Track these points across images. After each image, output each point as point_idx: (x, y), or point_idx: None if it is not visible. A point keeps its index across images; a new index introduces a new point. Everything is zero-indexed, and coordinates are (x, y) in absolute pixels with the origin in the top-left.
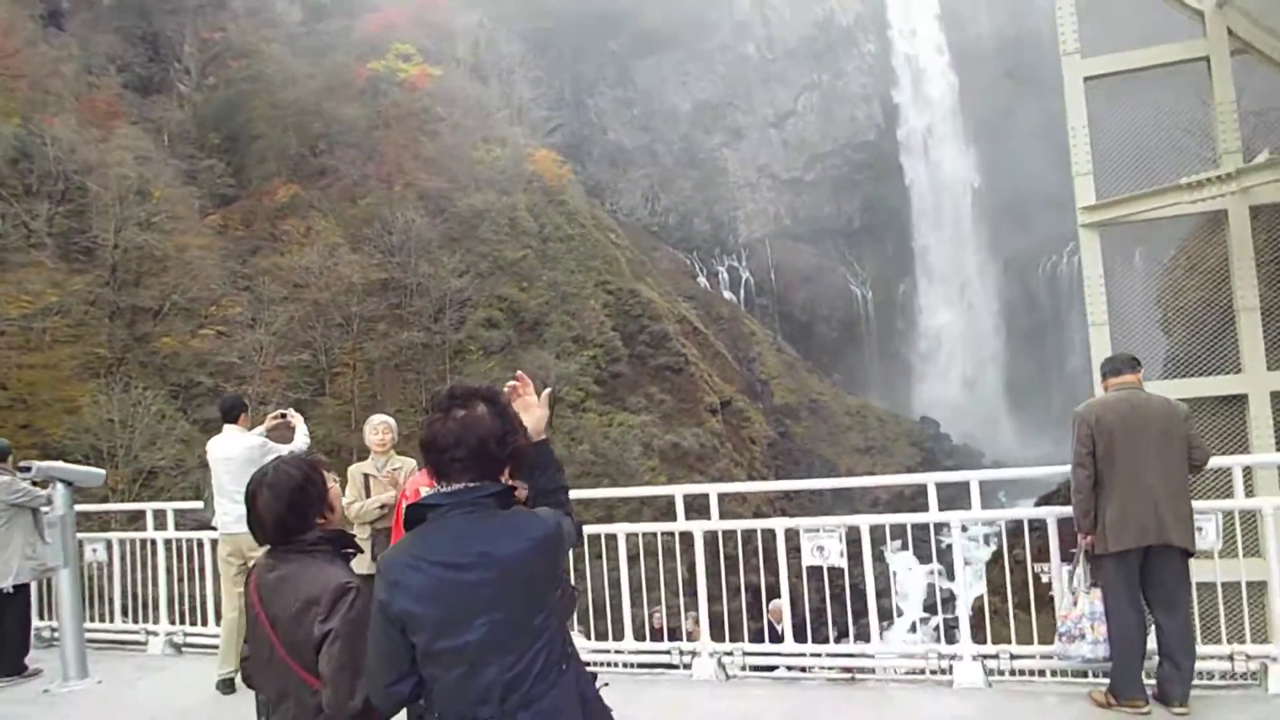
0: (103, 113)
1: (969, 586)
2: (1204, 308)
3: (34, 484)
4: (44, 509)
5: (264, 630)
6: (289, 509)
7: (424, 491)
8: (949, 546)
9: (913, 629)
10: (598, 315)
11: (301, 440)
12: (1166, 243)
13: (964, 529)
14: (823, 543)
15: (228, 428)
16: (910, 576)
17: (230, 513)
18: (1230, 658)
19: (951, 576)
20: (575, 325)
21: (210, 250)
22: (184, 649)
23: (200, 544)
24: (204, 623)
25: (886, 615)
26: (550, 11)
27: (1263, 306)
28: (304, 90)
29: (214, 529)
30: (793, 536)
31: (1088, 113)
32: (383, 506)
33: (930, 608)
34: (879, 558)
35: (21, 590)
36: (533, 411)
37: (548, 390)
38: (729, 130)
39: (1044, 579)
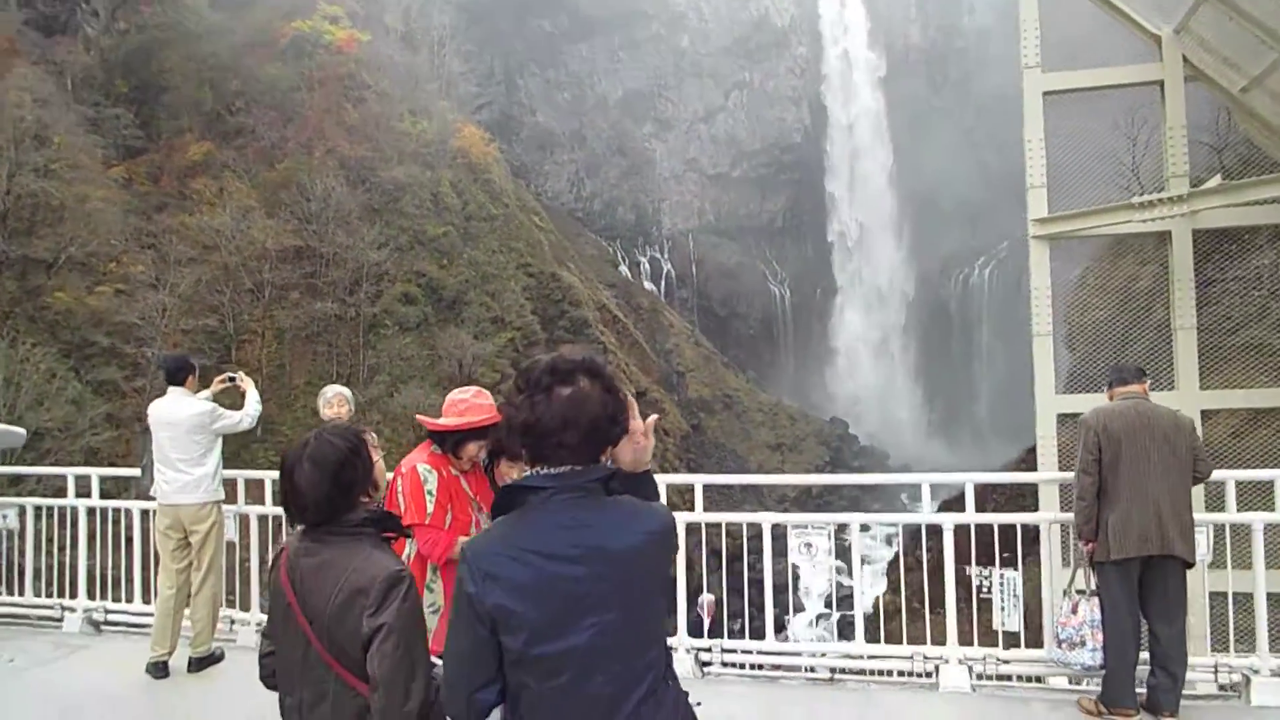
0: (0, 49)
1: (871, 585)
2: (1107, 326)
3: None
4: None
5: (297, 624)
6: (334, 485)
7: (421, 470)
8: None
9: (813, 623)
10: (518, 297)
11: (253, 406)
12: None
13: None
14: (811, 539)
15: (173, 390)
16: (814, 573)
17: (172, 482)
18: (1215, 669)
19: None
20: (494, 306)
21: (112, 203)
22: (103, 627)
23: (128, 514)
24: (128, 599)
25: (798, 608)
26: None
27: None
28: (222, 44)
29: (151, 499)
30: (713, 531)
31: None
32: None
33: (831, 603)
34: (781, 553)
35: None
36: (636, 440)
37: (653, 417)
38: (658, 121)
39: (980, 583)
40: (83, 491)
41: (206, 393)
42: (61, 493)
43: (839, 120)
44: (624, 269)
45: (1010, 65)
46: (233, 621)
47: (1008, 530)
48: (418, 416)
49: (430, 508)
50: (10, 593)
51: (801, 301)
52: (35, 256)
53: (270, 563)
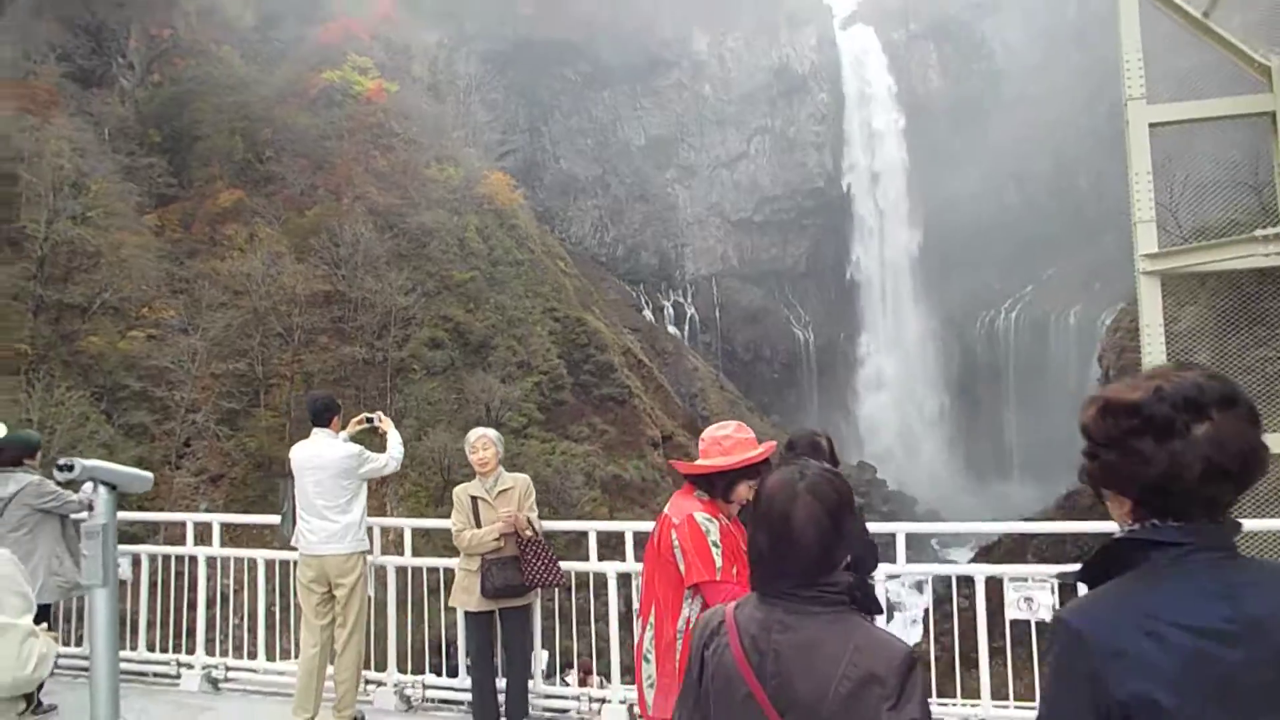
0: (41, 101)
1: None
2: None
3: (67, 485)
4: (79, 516)
5: (762, 716)
6: (835, 533)
7: (700, 519)
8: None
9: None
10: (544, 342)
11: (397, 448)
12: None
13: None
14: (1032, 594)
15: (317, 432)
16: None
17: (318, 531)
18: None
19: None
20: (521, 350)
21: (146, 250)
22: (221, 685)
23: (250, 564)
24: (250, 655)
25: None
26: (509, 36)
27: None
28: (253, 95)
29: (293, 549)
30: None
31: (1151, 159)
32: (500, 537)
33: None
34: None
35: (43, 612)
36: None
37: None
38: (681, 167)
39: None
40: (202, 538)
41: (344, 434)
42: (178, 540)
43: (860, 165)
44: (648, 313)
45: (1029, 106)
46: (369, 683)
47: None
48: (674, 463)
49: (718, 561)
50: (123, 647)
51: (825, 345)
52: (70, 301)
53: (703, 636)
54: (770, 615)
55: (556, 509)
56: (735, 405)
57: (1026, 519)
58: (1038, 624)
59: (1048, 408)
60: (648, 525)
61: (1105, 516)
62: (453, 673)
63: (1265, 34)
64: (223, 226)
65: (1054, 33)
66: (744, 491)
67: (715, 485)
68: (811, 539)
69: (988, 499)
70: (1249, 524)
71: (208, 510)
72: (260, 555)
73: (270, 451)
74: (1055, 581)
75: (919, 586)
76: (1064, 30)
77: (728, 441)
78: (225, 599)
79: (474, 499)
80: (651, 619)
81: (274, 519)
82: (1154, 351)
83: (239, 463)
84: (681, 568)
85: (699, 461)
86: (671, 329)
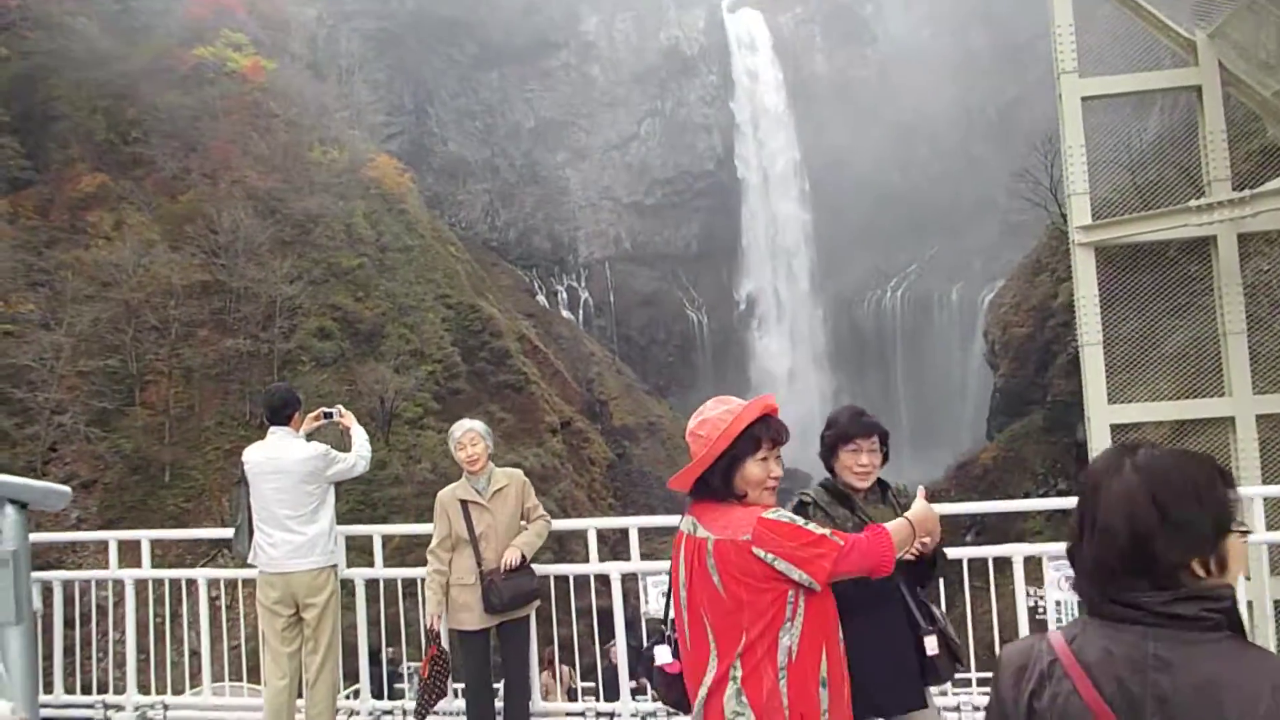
0: None
1: None
2: (1028, 343)
3: None
4: None
5: None
6: (1195, 528)
7: (774, 515)
8: None
9: None
10: (437, 329)
11: (363, 445)
12: (979, 283)
13: None
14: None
15: (276, 431)
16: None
17: (280, 545)
18: None
19: None
20: (413, 339)
21: None
22: None
23: (192, 586)
24: (192, 687)
25: None
26: (393, 14)
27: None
28: (116, 71)
29: (250, 566)
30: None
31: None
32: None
33: None
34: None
35: None
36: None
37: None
38: (572, 150)
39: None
40: (129, 559)
41: (301, 432)
42: (88, 562)
43: (749, 147)
44: (541, 298)
45: (911, 92)
46: (352, 714)
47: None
48: (670, 483)
49: (817, 529)
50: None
51: (719, 327)
52: None
53: (1023, 680)
54: (1135, 647)
55: None
56: (632, 389)
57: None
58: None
59: (934, 382)
60: (654, 520)
61: (1001, 489)
62: (394, 694)
63: (1190, 9)
64: (86, 213)
65: (935, 21)
66: (756, 473)
67: (717, 487)
68: (1168, 537)
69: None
70: None
71: (79, 518)
72: (201, 575)
73: (149, 453)
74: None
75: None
76: (944, 19)
77: (704, 429)
78: (159, 627)
79: (464, 503)
80: (713, 664)
81: (218, 533)
82: (1089, 323)
83: (113, 466)
84: (804, 578)
85: (686, 468)
86: (566, 313)
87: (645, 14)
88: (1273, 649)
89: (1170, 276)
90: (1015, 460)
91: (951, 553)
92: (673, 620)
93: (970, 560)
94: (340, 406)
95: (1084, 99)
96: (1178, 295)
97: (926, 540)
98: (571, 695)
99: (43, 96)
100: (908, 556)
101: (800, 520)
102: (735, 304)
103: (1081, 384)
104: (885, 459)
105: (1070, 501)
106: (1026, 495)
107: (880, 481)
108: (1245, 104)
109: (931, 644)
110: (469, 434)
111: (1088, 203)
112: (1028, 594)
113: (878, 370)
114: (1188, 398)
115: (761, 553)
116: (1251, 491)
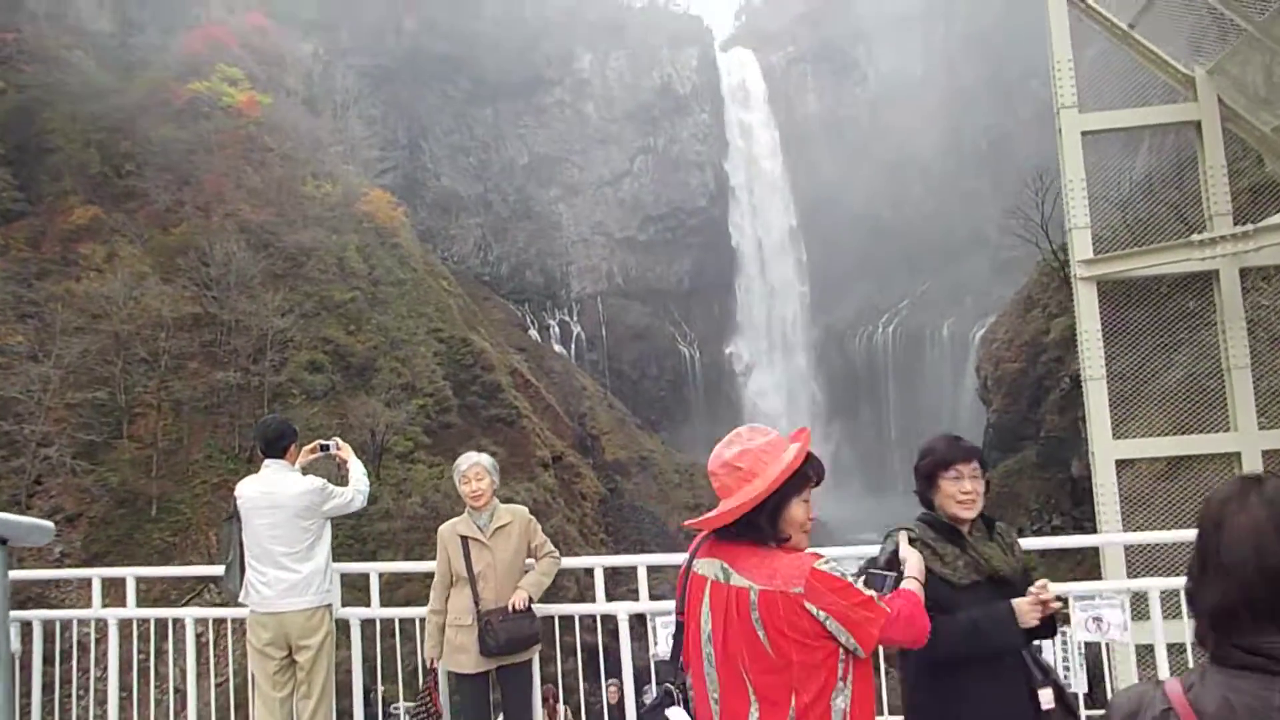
0: None
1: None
2: (1021, 379)
3: None
4: None
5: None
6: None
7: (828, 569)
8: None
9: None
10: (429, 363)
11: (361, 479)
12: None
13: None
14: (1101, 613)
15: (271, 464)
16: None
17: (274, 584)
18: None
19: None
20: (405, 372)
21: None
22: None
23: (179, 627)
24: None
25: None
26: (388, 50)
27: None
28: (111, 105)
29: (241, 605)
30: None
31: (1084, 168)
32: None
33: None
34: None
35: None
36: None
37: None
38: (565, 185)
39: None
40: (113, 598)
41: (296, 466)
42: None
43: (741, 185)
44: (534, 333)
45: (902, 131)
46: None
47: None
48: (696, 523)
49: (864, 589)
50: None
51: (711, 362)
52: None
53: None
54: (1258, 697)
55: None
56: (624, 423)
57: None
58: (1108, 646)
59: (926, 417)
60: (663, 559)
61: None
62: None
63: (1188, 45)
64: (77, 245)
65: (926, 59)
66: (799, 514)
67: (761, 526)
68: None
69: (871, 509)
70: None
71: (63, 553)
72: (188, 614)
73: (136, 486)
74: (1127, 598)
75: None
76: (935, 56)
77: (745, 461)
78: (144, 671)
79: (464, 539)
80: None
81: (206, 570)
82: (1092, 357)
83: (99, 500)
84: (850, 642)
85: (725, 506)
86: (558, 348)
87: (639, 52)
88: None
89: (1165, 312)
90: (1009, 496)
91: None
92: (681, 670)
93: None
94: (337, 439)
95: (1084, 133)
96: (1175, 330)
97: (1056, 602)
98: None
99: (37, 129)
100: (1032, 622)
101: (849, 576)
102: (727, 339)
103: (1078, 419)
104: (988, 487)
105: (1087, 539)
106: (1021, 531)
107: (983, 516)
108: (1244, 139)
109: (1047, 697)
110: (475, 468)
111: (1089, 237)
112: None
113: (870, 405)
114: (1189, 433)
115: (814, 609)
116: None
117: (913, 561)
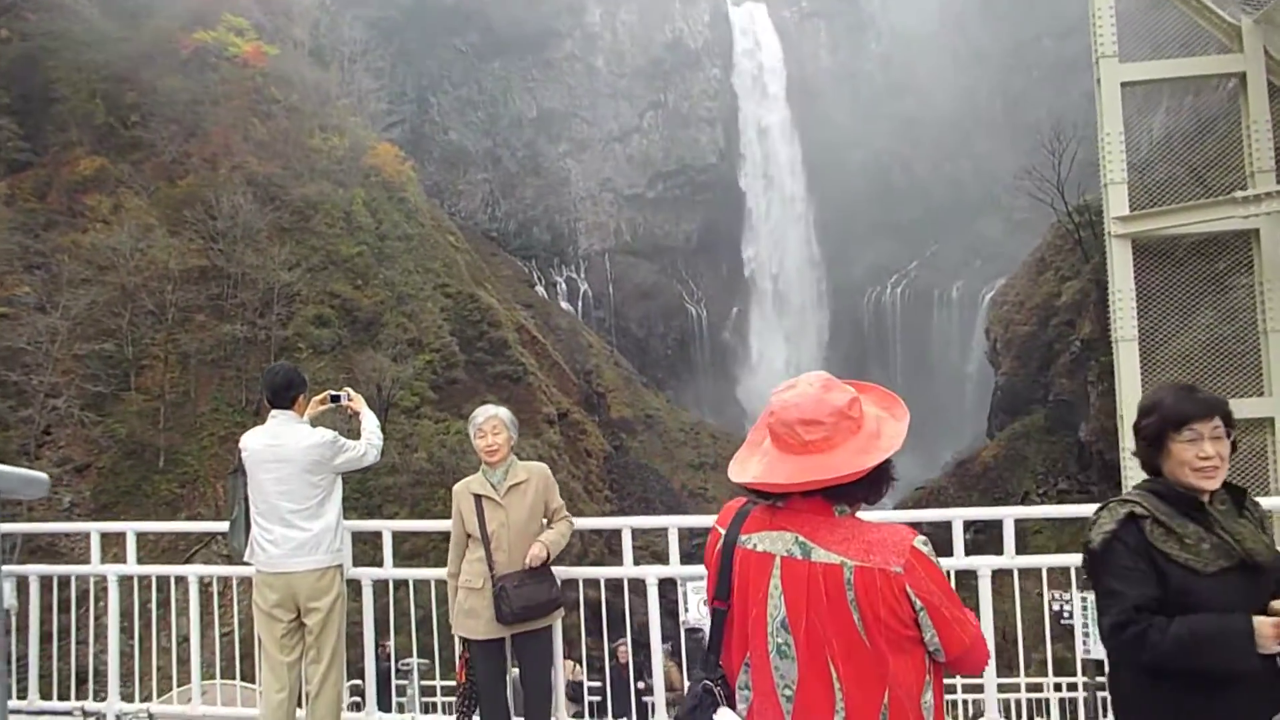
0: None
1: None
2: (1031, 341)
3: None
4: None
5: None
6: None
7: (927, 550)
8: None
9: None
10: (435, 319)
11: (374, 433)
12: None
13: None
14: None
15: (278, 415)
16: None
17: (281, 542)
18: None
19: None
20: (411, 328)
21: None
22: None
23: (182, 585)
24: (180, 689)
25: None
26: (396, 2)
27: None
28: (116, 55)
29: (246, 564)
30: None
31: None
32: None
33: None
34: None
35: None
36: None
37: None
38: (573, 141)
39: (1061, 609)
40: (113, 554)
41: (305, 418)
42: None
43: (752, 142)
44: (540, 289)
45: (915, 89)
46: None
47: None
48: (787, 485)
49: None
50: (11, 696)
51: (718, 320)
52: None
53: None
54: None
55: (453, 489)
56: (630, 381)
57: (919, 488)
58: None
59: (934, 378)
60: (692, 520)
61: (1001, 487)
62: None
63: None
64: (84, 196)
65: (940, 16)
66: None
67: (873, 487)
68: None
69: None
70: None
71: (73, 503)
72: (192, 572)
73: (144, 438)
74: None
75: None
76: (949, 14)
77: (857, 408)
78: (145, 626)
79: (478, 498)
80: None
81: (208, 526)
82: (1125, 319)
83: (107, 450)
84: (934, 642)
85: (833, 464)
86: (565, 305)
87: (649, 6)
88: None
89: (1192, 273)
90: (1016, 459)
91: (978, 562)
92: (717, 666)
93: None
94: (349, 389)
95: (1123, 84)
96: (1201, 292)
97: None
98: (574, 690)
99: (42, 79)
100: (1274, 649)
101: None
102: (735, 297)
103: (1086, 383)
104: (1234, 448)
105: None
106: (1027, 494)
107: (1228, 486)
108: None
109: None
110: (491, 421)
111: (1125, 192)
112: (1052, 599)
113: (878, 366)
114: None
115: (912, 594)
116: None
117: None
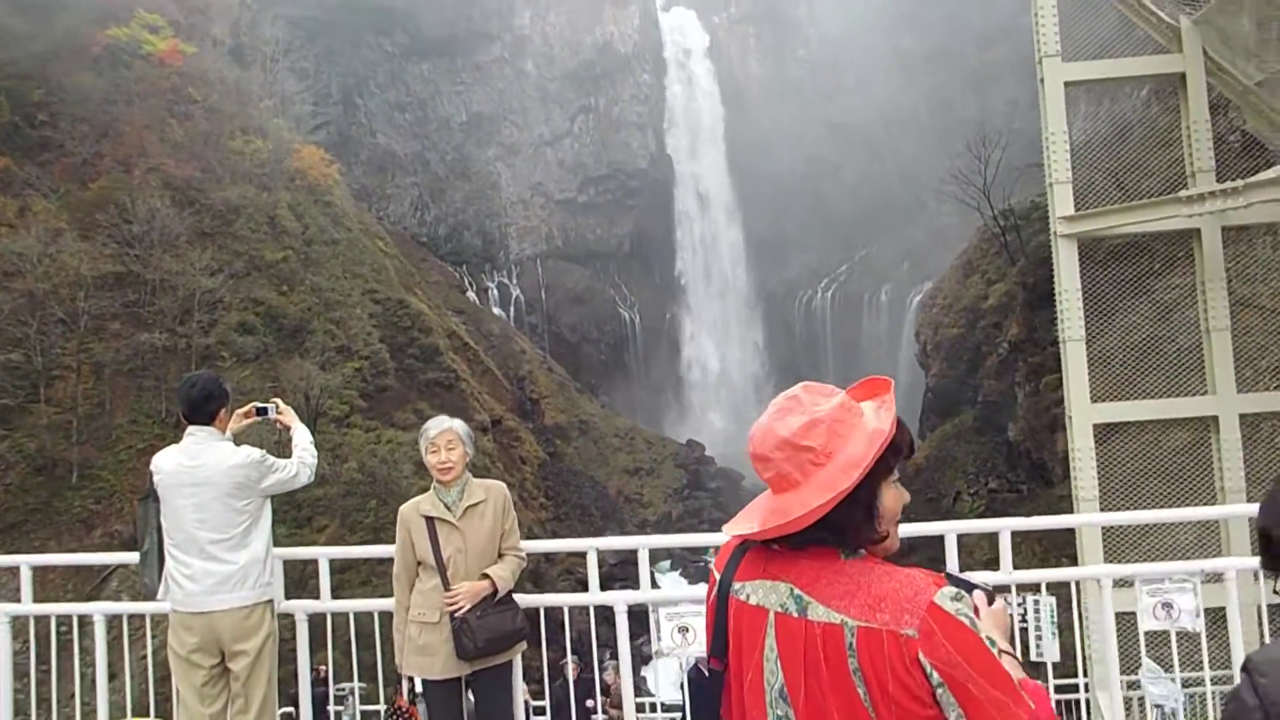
0: None
1: None
2: (960, 344)
3: None
4: None
5: None
6: None
7: (955, 610)
8: None
9: None
10: (364, 325)
11: (306, 450)
12: (909, 284)
13: None
14: (1171, 598)
15: (196, 432)
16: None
17: (201, 577)
18: None
19: None
20: (340, 334)
21: None
22: None
23: (86, 625)
24: None
25: None
26: (320, 1)
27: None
28: (23, 51)
29: (162, 603)
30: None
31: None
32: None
33: None
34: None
35: None
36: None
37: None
38: (503, 145)
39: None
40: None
41: (226, 434)
42: None
43: (682, 147)
44: (472, 295)
45: (844, 95)
46: None
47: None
48: (751, 534)
49: (1015, 671)
50: None
51: (652, 326)
52: None
53: None
54: None
55: (385, 500)
56: (564, 387)
57: None
58: (1178, 634)
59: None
60: (667, 540)
61: (934, 487)
62: None
63: None
64: None
65: (867, 24)
66: (891, 503)
67: (852, 526)
68: None
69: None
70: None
71: None
72: (99, 610)
73: (55, 452)
74: (1199, 581)
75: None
76: (877, 22)
77: (817, 435)
78: (42, 678)
79: (430, 520)
80: None
81: (120, 557)
82: (1072, 318)
83: (15, 466)
84: (954, 715)
85: (795, 502)
86: (497, 310)
87: (579, 10)
88: None
89: (1130, 272)
90: (947, 459)
91: (1020, 575)
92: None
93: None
94: (278, 400)
95: (1066, 84)
96: (1139, 293)
97: None
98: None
99: None
100: None
101: (993, 640)
102: (667, 302)
103: (1014, 384)
104: None
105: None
106: (958, 494)
107: None
108: (1225, 94)
109: None
110: (446, 434)
111: (1070, 192)
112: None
113: (809, 369)
114: (1165, 397)
115: (928, 665)
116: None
117: (1000, 618)
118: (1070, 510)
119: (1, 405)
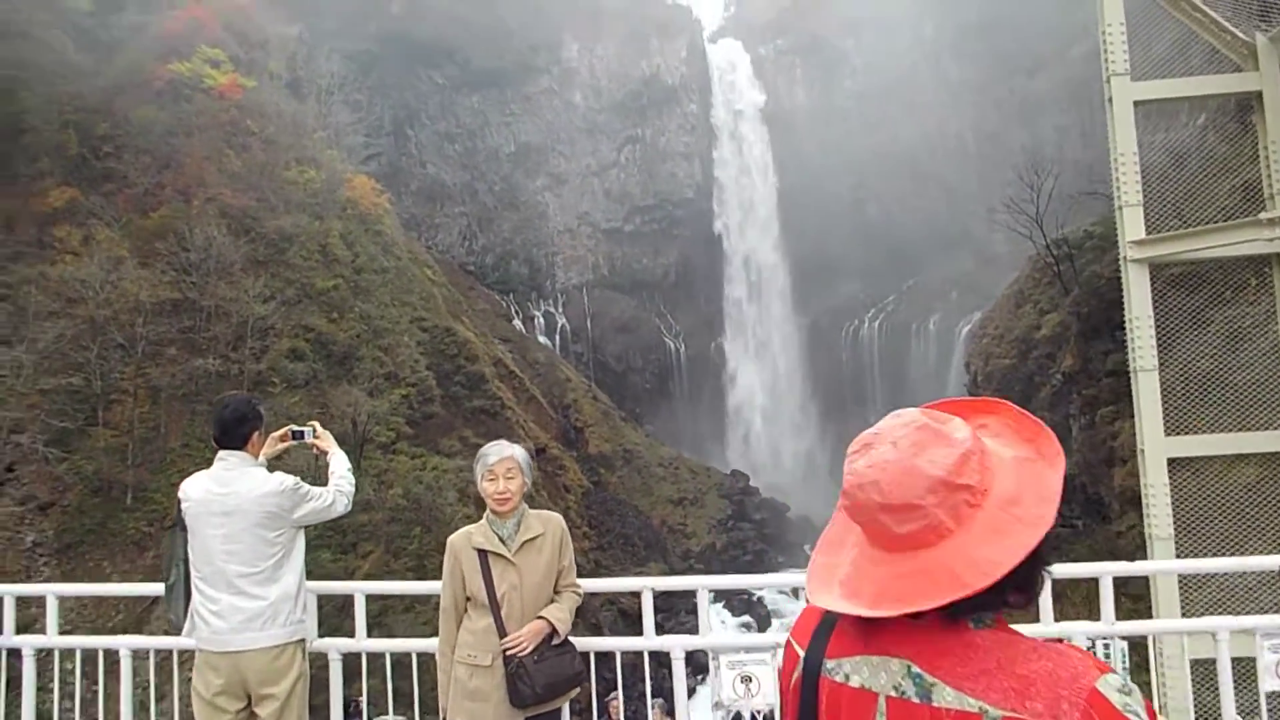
0: None
1: None
2: (1011, 374)
3: None
4: None
5: None
6: None
7: (1119, 700)
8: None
9: None
10: (412, 352)
11: (344, 478)
12: (958, 314)
13: None
14: None
15: (227, 457)
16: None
17: (229, 614)
18: None
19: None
20: (388, 362)
21: None
22: None
23: (113, 660)
24: None
25: None
26: (374, 35)
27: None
28: (89, 86)
29: (186, 639)
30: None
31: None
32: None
33: None
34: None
35: None
36: None
37: None
38: (551, 175)
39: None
40: (30, 623)
41: (261, 459)
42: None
43: (729, 177)
44: (518, 323)
45: (889, 124)
46: None
47: None
48: (892, 602)
49: None
50: None
51: (697, 355)
52: None
53: None
54: None
55: (429, 527)
56: (609, 416)
57: None
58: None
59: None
60: (728, 581)
61: (1185, 532)
62: None
63: (1248, 11)
64: (53, 228)
65: (913, 54)
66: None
67: (1016, 583)
68: None
69: None
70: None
71: (35, 542)
72: (124, 644)
73: (111, 474)
74: None
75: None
76: (923, 52)
77: (971, 471)
78: (69, 713)
79: (483, 554)
80: None
81: (146, 589)
82: (1144, 347)
83: (72, 488)
84: None
85: (949, 566)
86: (543, 339)
87: (627, 42)
88: None
89: (1194, 300)
90: None
91: (1123, 627)
92: None
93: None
94: (315, 424)
95: (1136, 103)
96: (1211, 320)
97: None
98: None
99: (13, 109)
100: None
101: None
102: (713, 332)
103: (1068, 415)
104: None
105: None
106: None
107: None
108: None
109: None
110: (505, 462)
111: (1140, 215)
112: None
113: (855, 400)
114: (1241, 430)
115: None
116: None
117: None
118: (1129, 547)
119: (62, 428)
